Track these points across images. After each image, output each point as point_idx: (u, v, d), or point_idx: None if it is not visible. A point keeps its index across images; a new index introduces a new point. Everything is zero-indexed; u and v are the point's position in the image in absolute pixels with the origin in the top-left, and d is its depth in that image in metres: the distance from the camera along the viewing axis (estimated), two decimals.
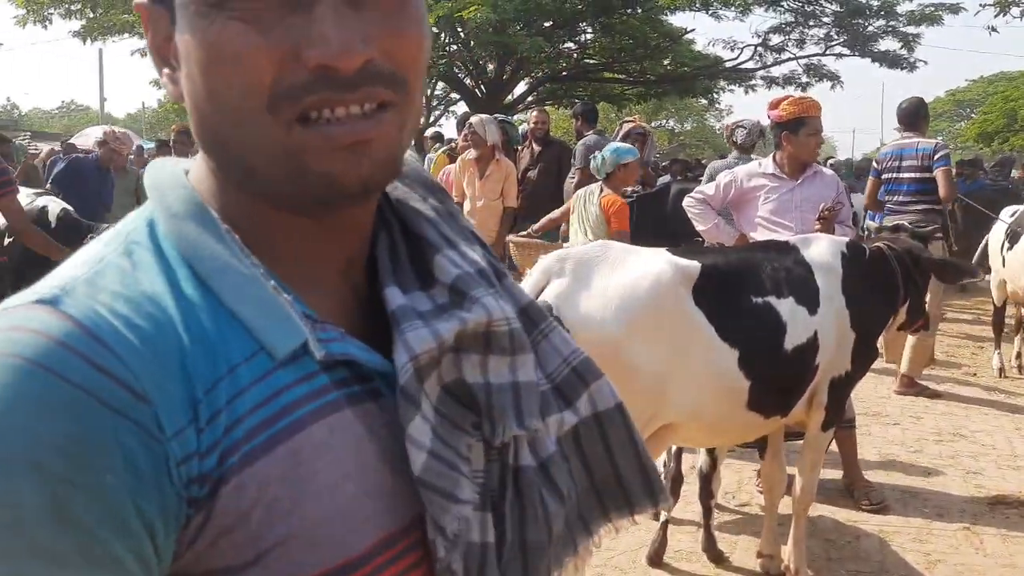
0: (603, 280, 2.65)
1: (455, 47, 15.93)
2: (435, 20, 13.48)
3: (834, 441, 4.24)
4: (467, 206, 6.22)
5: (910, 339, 5.53)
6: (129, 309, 0.58)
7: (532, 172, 7.11)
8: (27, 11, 16.04)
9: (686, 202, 4.20)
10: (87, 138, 12.38)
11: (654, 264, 2.70)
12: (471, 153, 6.36)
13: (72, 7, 16.22)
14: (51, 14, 16.25)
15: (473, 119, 6.39)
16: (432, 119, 25.34)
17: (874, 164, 6.14)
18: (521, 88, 18.36)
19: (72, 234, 4.45)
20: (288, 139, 0.60)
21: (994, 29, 12.62)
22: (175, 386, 0.57)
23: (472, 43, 14.88)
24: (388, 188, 0.73)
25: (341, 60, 0.58)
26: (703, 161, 16.77)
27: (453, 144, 7.49)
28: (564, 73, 17.63)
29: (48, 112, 62.18)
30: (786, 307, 2.85)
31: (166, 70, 0.66)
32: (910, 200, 5.58)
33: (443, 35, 15.66)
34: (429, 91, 25.47)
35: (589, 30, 16.92)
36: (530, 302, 0.78)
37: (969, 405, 5.83)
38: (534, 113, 7.58)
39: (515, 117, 16.07)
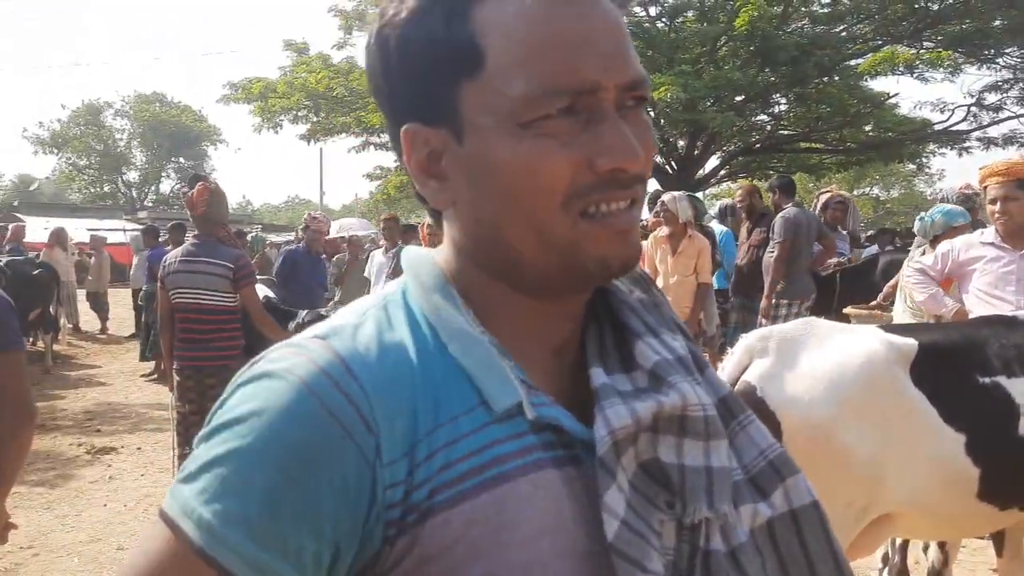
0: (810, 359, 2.55)
1: None
2: None
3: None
4: (660, 282, 6.22)
5: None
6: (379, 352, 0.71)
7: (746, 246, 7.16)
8: (263, 119, 18.05)
9: (906, 272, 4.03)
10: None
11: (865, 342, 2.58)
12: (663, 230, 6.40)
13: (299, 113, 18.05)
14: (282, 120, 18.17)
15: (665, 197, 6.45)
16: None
17: None
18: (713, 162, 18.18)
19: (274, 316, 5.05)
20: (573, 231, 0.72)
21: None
22: (402, 421, 0.68)
23: (662, 121, 14.99)
24: None
25: (629, 162, 0.72)
26: (914, 230, 15.74)
27: (645, 222, 7.56)
28: (757, 145, 17.30)
29: (275, 206, 68.90)
30: (1019, 387, 2.62)
31: (432, 182, 0.78)
32: None
33: None
34: None
35: (783, 101, 16.57)
36: (730, 393, 0.83)
37: None
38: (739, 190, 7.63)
39: (708, 191, 15.93)
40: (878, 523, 2.56)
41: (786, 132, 17.55)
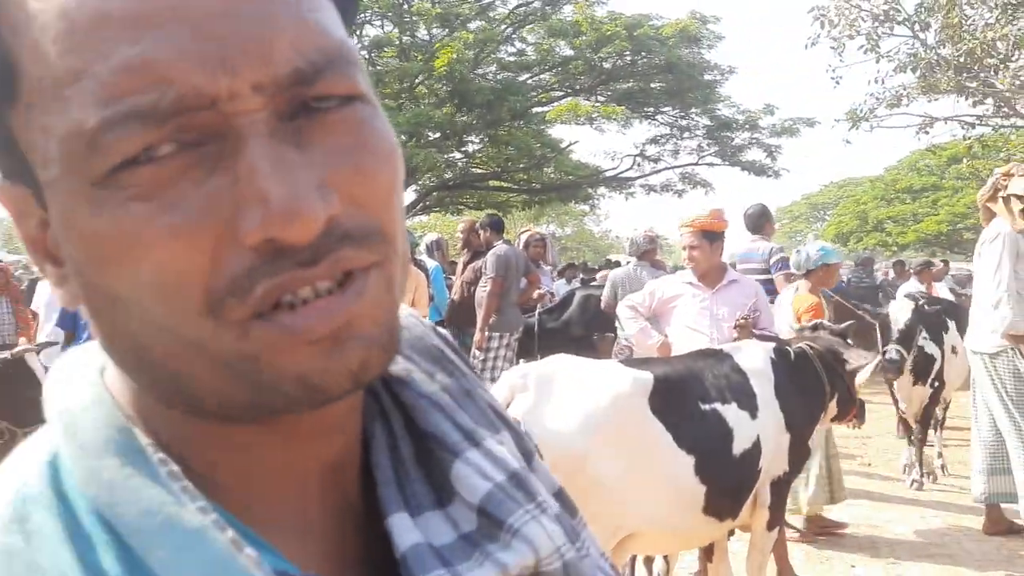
0: (564, 394, 2.67)
1: None
2: None
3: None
4: None
5: None
6: None
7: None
8: None
9: (619, 308, 4.38)
10: None
11: (611, 376, 2.76)
12: None
13: None
14: None
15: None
16: None
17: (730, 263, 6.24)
18: (409, 196, 18.62)
19: None
20: (243, 344, 0.43)
21: (848, 141, 13.83)
22: None
23: None
24: None
25: (290, 228, 0.40)
26: (589, 264, 17.36)
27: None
28: (451, 182, 18.03)
29: None
30: (732, 413, 2.96)
31: (48, 266, 0.48)
32: None
33: None
34: None
35: (476, 140, 17.48)
36: (561, 491, 0.62)
37: (876, 496, 6.08)
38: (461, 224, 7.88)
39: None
40: (623, 543, 2.74)
41: (478, 170, 18.53)
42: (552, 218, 35.88)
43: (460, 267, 7.66)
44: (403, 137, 14.43)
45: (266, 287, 0.42)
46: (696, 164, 18.33)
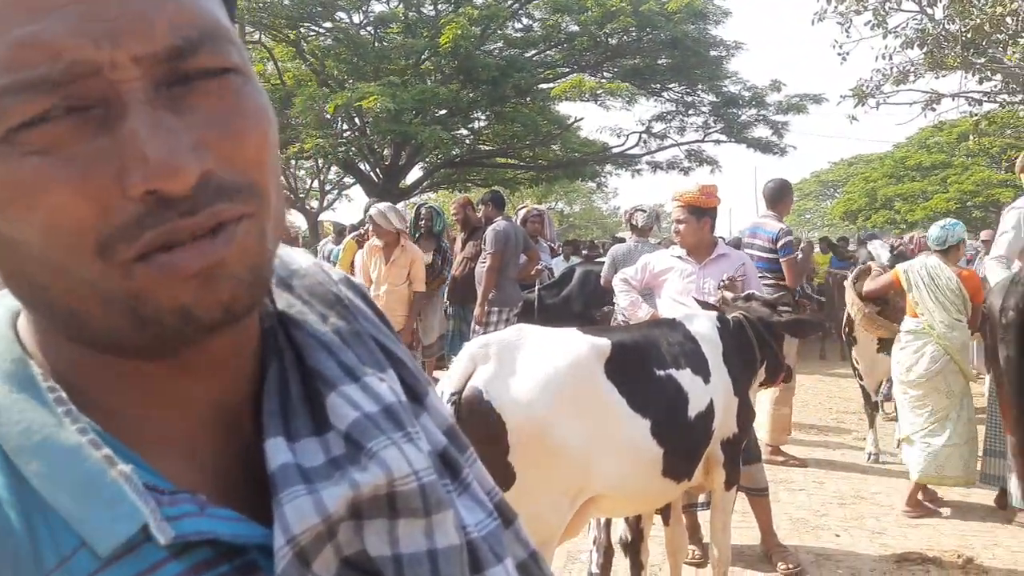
0: (527, 362, 2.75)
1: (352, 134, 16.11)
2: (333, 109, 13.66)
3: (752, 510, 4.44)
4: (372, 291, 6.26)
5: (767, 409, 5.81)
6: None
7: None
8: None
9: (614, 281, 4.48)
10: None
11: (571, 344, 2.84)
12: (376, 240, 6.45)
13: None
14: None
15: (372, 211, 6.49)
16: (326, 203, 25.39)
17: (739, 236, 6.30)
18: (416, 173, 18.66)
19: None
20: (128, 281, 0.49)
21: (854, 118, 13.71)
22: None
23: (368, 130, 15.08)
24: (283, 306, 0.64)
25: (168, 181, 0.47)
26: (595, 241, 17.37)
27: (362, 231, 7.60)
28: (458, 159, 18.04)
29: None
30: (686, 378, 3.06)
31: None
32: (761, 276, 5.45)
33: (340, 122, 15.86)
34: (322, 176, 25.64)
35: (482, 118, 17.46)
36: (451, 428, 0.68)
37: (866, 468, 6.17)
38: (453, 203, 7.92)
39: (411, 201, 16.30)
40: (586, 505, 2.83)
41: (485, 147, 18.52)
42: (560, 195, 35.85)
43: (459, 244, 7.74)
44: (409, 114, 14.46)
45: (152, 234, 0.48)
46: (702, 141, 18.25)
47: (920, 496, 5.17)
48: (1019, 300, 2.10)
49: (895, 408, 6.31)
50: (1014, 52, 12.19)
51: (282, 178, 0.61)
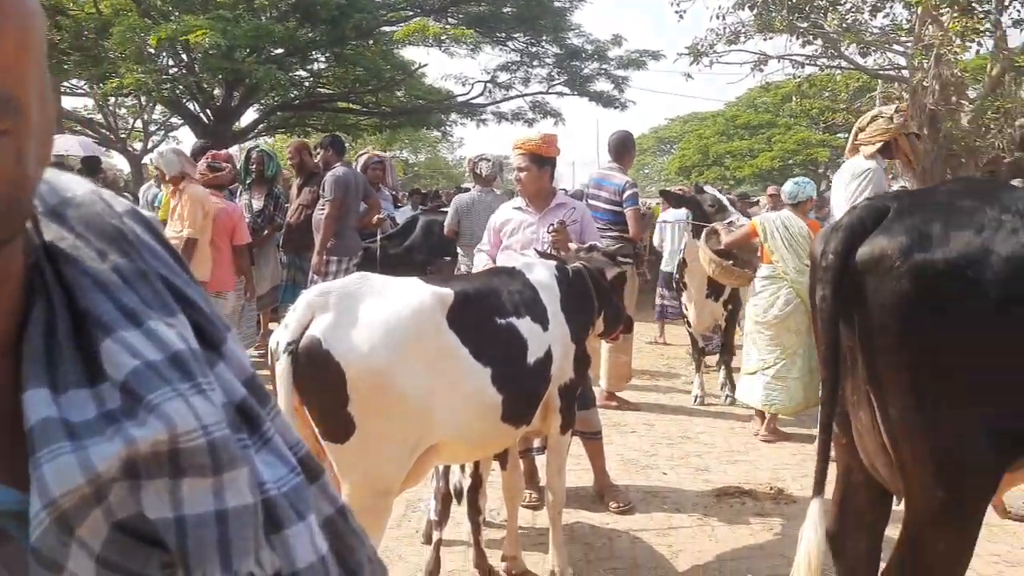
0: (367, 311, 2.68)
1: (178, 71, 15.06)
2: (156, 42, 12.68)
3: (586, 453, 4.59)
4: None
5: (606, 357, 6.08)
6: None
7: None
8: None
9: (475, 260, 4.47)
10: None
11: (414, 293, 2.79)
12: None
13: None
14: None
15: (154, 154, 6.14)
16: (150, 145, 23.77)
17: (583, 188, 6.43)
18: (251, 115, 17.77)
19: None
20: None
21: (689, 76, 14.24)
22: None
23: (197, 67, 14.14)
24: (52, 239, 0.57)
25: None
26: (439, 191, 17.27)
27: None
28: (297, 102, 17.30)
29: None
30: (525, 326, 3.10)
31: None
32: (605, 227, 5.70)
33: (165, 57, 14.78)
34: (146, 115, 23.91)
35: (323, 59, 16.78)
36: (252, 378, 0.63)
37: (692, 410, 6.53)
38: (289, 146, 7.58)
39: (246, 144, 15.50)
40: (427, 454, 2.82)
41: (325, 91, 17.85)
42: (405, 144, 35.29)
43: (295, 190, 7.43)
44: (243, 52, 13.67)
45: None
46: (546, 93, 18.41)
47: (764, 424, 5.75)
48: (837, 244, 2.24)
49: (718, 360, 6.97)
50: (833, 19, 12.98)
51: (50, 92, 0.53)
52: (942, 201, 2.27)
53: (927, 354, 2.14)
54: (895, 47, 12.95)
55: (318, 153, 7.39)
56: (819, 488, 2.37)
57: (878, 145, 5.17)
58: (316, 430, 2.62)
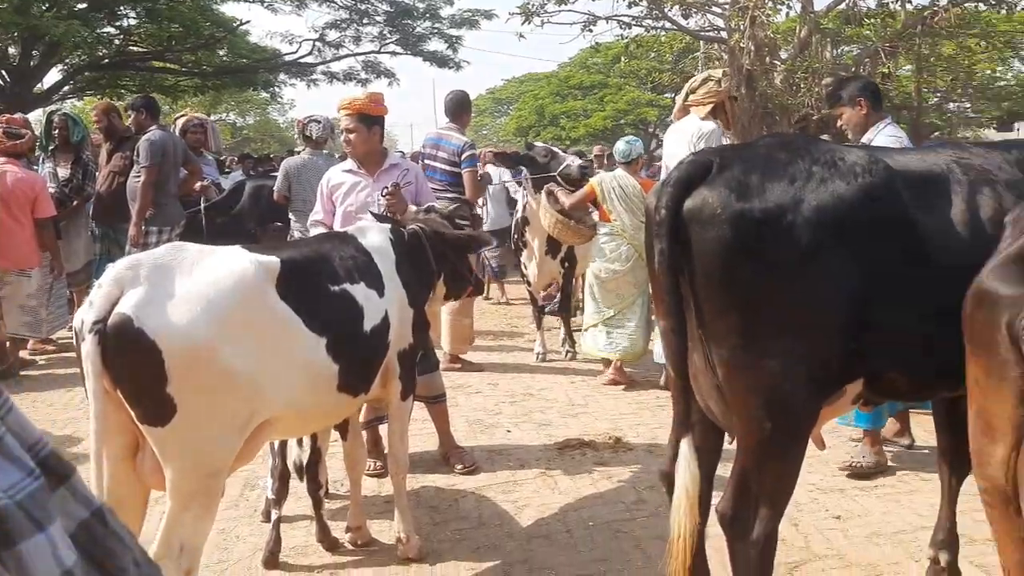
0: (185, 284, 2.49)
1: None
2: None
3: (430, 416, 4.56)
4: None
5: (447, 320, 6.09)
6: None
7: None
8: None
9: (310, 228, 4.25)
10: None
11: (235, 262, 2.62)
12: None
13: None
14: None
15: None
16: None
17: (421, 149, 6.32)
18: (55, 76, 16.31)
19: None
20: None
21: (522, 36, 14.29)
22: None
23: None
24: None
25: None
26: (272, 156, 16.56)
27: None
28: (106, 61, 16.02)
29: None
30: (360, 292, 3.01)
31: None
32: (443, 188, 5.63)
33: None
34: None
35: (132, 15, 15.59)
36: None
37: (535, 367, 6.65)
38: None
39: (50, 108, 14.22)
40: (260, 429, 2.69)
41: (138, 49, 16.62)
42: (231, 106, 33.58)
43: (105, 155, 6.87)
44: (41, 7, 12.46)
45: None
46: (378, 52, 18.01)
47: (611, 367, 6.04)
48: (668, 199, 2.31)
49: (560, 320, 7.19)
50: None
51: None
52: (760, 155, 2.39)
53: (748, 297, 2.26)
54: (714, 9, 13.49)
55: (130, 116, 6.85)
56: (684, 429, 2.44)
57: (709, 107, 5.35)
58: (132, 414, 2.42)
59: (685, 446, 2.43)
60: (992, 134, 23.29)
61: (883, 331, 2.27)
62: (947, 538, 3.08)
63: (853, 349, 2.27)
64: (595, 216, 6.35)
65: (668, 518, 2.45)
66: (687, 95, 5.51)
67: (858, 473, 4.17)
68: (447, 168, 5.81)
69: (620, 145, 6.21)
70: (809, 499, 3.87)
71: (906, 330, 2.28)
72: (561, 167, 6.49)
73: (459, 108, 6.11)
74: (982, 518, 3.30)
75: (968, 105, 22.20)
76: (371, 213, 3.97)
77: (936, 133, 15.88)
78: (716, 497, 2.62)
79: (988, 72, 20.14)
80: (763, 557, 2.40)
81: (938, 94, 19.14)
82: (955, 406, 2.32)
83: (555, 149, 6.77)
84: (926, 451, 4.51)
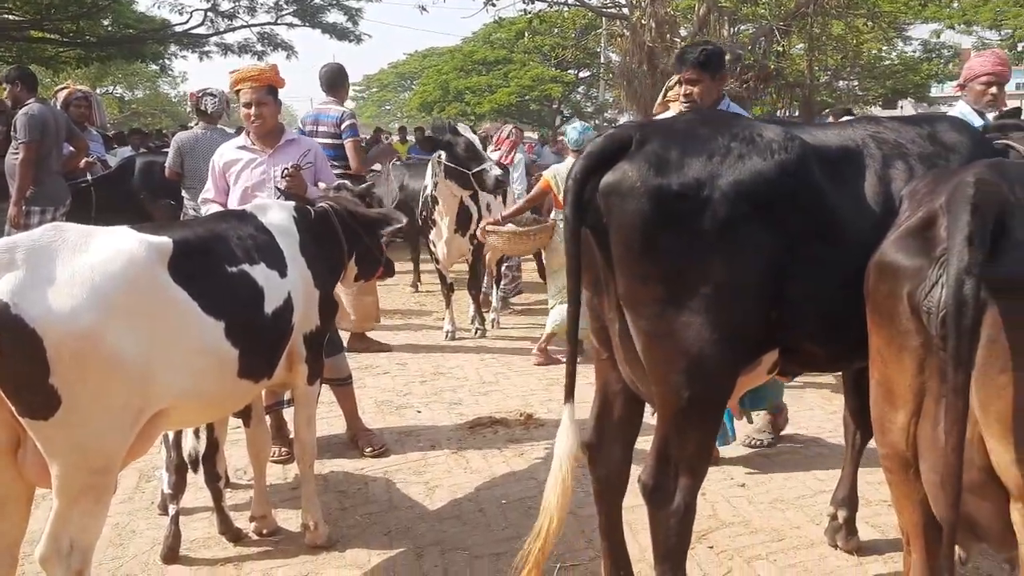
0: (67, 267, 2.31)
1: None
2: None
3: (336, 399, 4.44)
4: None
5: (347, 300, 5.95)
6: None
7: None
8: None
9: (202, 208, 4.05)
10: None
11: (123, 243, 2.45)
12: None
13: None
14: None
15: None
16: None
17: (299, 126, 6.11)
18: None
19: None
20: None
21: (424, 8, 14.06)
22: None
23: None
24: None
25: None
26: (164, 131, 15.85)
27: None
28: None
29: None
30: (260, 273, 2.89)
31: None
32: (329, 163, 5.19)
33: None
34: None
35: None
36: None
37: (444, 346, 6.58)
38: None
39: None
40: (153, 420, 2.54)
41: (12, 17, 15.56)
42: (119, 79, 31.97)
43: None
44: None
45: None
46: (275, 24, 17.38)
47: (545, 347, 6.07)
48: (578, 171, 2.31)
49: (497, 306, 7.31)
50: None
51: None
52: (680, 130, 2.40)
53: (666, 268, 2.27)
54: None
55: (5, 89, 6.38)
56: (570, 394, 2.43)
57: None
58: (12, 408, 2.25)
59: (566, 416, 2.43)
60: (877, 111, 24.36)
61: (799, 302, 2.31)
62: (848, 495, 3.23)
63: (770, 319, 2.31)
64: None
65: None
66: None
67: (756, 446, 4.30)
68: (329, 142, 5.59)
69: (571, 134, 6.21)
70: (715, 468, 3.96)
71: (821, 302, 2.33)
72: (478, 168, 6.31)
73: (335, 80, 5.88)
74: (876, 480, 3.48)
75: (856, 83, 23.15)
76: (277, 188, 3.82)
77: (826, 110, 16.48)
78: (635, 469, 2.63)
79: (874, 52, 20.99)
80: (683, 526, 2.44)
81: (828, 72, 19.84)
82: (863, 371, 2.38)
83: (478, 147, 6.53)
84: (826, 423, 4.69)
